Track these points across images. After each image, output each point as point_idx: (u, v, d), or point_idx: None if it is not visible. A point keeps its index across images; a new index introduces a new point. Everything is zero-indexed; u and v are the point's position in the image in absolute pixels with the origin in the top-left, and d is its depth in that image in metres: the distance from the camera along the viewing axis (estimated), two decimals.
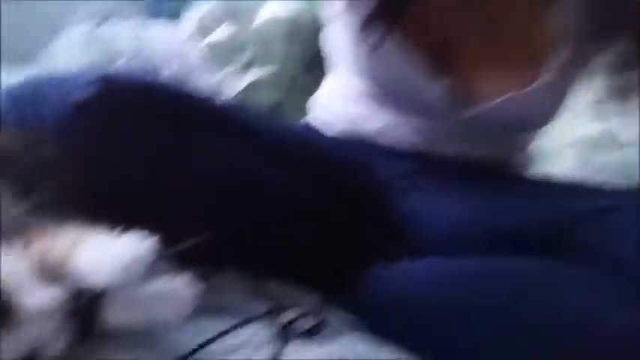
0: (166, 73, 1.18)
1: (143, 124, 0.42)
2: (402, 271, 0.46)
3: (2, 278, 0.26)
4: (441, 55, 0.52)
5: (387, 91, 0.56)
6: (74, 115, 0.39)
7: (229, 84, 1.18)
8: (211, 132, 0.48)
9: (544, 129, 0.60)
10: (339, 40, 0.59)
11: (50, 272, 0.29)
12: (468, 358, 0.38)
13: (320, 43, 1.22)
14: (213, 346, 0.36)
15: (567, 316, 0.34)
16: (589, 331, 0.33)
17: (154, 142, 0.42)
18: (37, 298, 0.27)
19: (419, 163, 0.58)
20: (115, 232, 0.31)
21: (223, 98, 0.73)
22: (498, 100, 0.51)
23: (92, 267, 0.29)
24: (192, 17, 1.31)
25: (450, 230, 0.51)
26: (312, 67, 1.21)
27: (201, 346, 0.35)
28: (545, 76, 0.50)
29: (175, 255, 0.33)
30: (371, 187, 0.57)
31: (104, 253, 0.29)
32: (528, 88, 0.50)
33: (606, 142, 0.85)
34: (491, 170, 0.58)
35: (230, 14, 1.24)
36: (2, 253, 0.28)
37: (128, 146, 0.38)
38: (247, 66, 1.19)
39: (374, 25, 0.49)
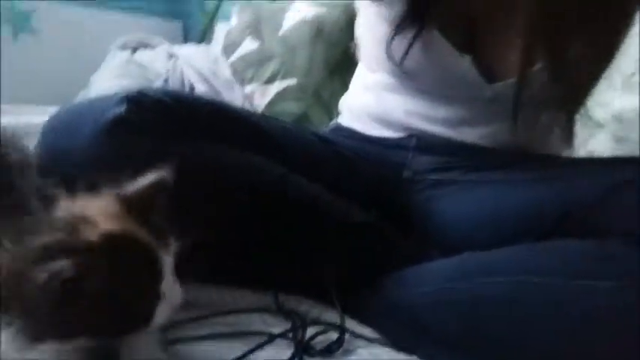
0: (199, 90, 1.23)
1: (170, 137, 0.45)
2: (423, 271, 0.46)
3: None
4: (467, 33, 0.54)
5: (418, 72, 0.57)
6: (106, 132, 0.42)
7: (257, 97, 1.22)
8: (243, 144, 0.50)
9: (578, 107, 0.58)
10: (373, 31, 0.60)
11: None
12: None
13: (345, 45, 1.24)
14: None
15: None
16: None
17: (182, 153, 0.44)
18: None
19: (445, 155, 0.58)
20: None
21: (252, 111, 0.75)
22: (518, 76, 0.51)
23: None
24: (219, 35, 1.37)
25: (474, 223, 0.51)
26: (337, 71, 1.22)
27: None
28: (569, 52, 0.50)
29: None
30: (385, 188, 0.58)
31: None
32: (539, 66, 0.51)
33: None
34: (515, 155, 0.57)
35: (254, 27, 1.28)
36: None
37: (158, 159, 0.41)
38: (273, 78, 1.22)
39: (413, 16, 0.52)
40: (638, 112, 0.83)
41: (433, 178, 0.59)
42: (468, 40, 0.54)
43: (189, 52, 1.37)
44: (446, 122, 0.58)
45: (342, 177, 0.58)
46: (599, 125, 0.91)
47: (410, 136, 0.61)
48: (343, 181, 0.57)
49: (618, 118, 0.89)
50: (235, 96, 1.22)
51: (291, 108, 1.19)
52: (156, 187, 0.33)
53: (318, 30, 1.21)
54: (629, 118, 0.85)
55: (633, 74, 0.86)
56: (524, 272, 0.39)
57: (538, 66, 0.51)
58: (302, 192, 0.51)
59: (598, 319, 0.35)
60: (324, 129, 0.76)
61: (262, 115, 0.65)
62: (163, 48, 1.39)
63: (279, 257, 0.48)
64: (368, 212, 0.55)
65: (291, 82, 1.20)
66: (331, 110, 1.18)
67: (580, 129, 0.92)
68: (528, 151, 0.59)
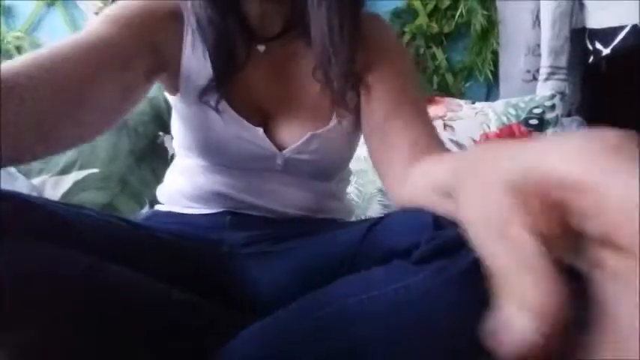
0: None
1: None
2: (238, 341, 0.48)
3: None
4: (258, 110, 0.65)
5: (221, 150, 0.65)
6: None
7: (49, 188, 1.09)
8: (40, 236, 0.45)
9: (346, 172, 0.77)
10: (183, 120, 0.67)
11: None
12: None
13: (152, 135, 1.25)
14: None
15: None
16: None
17: None
18: None
19: (256, 229, 0.66)
20: None
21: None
22: (304, 139, 0.64)
23: None
24: None
25: (274, 289, 0.59)
26: (145, 160, 1.21)
27: None
28: (333, 121, 0.65)
29: None
30: (203, 264, 0.62)
31: None
32: (323, 129, 0.65)
33: None
34: (308, 220, 0.70)
35: None
36: None
37: None
38: (68, 169, 1.13)
39: (209, 95, 0.61)
40: None
41: (247, 251, 0.64)
42: (258, 115, 0.65)
43: None
44: (252, 193, 0.67)
45: (162, 260, 0.58)
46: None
47: (224, 212, 0.67)
48: (163, 264, 0.57)
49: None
50: (19, 188, 1.06)
51: (93, 198, 1.11)
52: None
53: (121, 122, 1.20)
54: None
55: None
56: (344, 296, 0.43)
57: (310, 134, 0.65)
58: (114, 281, 0.49)
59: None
60: (136, 216, 0.75)
61: (61, 202, 0.59)
62: None
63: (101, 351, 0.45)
64: (189, 291, 0.56)
65: (93, 170, 1.13)
66: (141, 198, 1.15)
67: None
68: (322, 215, 0.71)
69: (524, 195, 0.20)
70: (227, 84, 0.61)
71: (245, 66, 0.62)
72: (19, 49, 1.54)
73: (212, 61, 0.60)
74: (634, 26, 1.13)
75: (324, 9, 0.58)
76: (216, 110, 0.61)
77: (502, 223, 0.20)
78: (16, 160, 0.48)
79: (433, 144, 0.58)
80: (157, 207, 0.74)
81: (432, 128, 0.61)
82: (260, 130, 0.64)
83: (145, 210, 1.14)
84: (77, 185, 1.11)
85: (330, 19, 0.58)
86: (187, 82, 0.63)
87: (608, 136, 0.19)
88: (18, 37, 1.57)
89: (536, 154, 0.20)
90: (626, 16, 1.14)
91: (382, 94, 0.62)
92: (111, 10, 0.58)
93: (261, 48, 0.64)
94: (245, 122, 0.63)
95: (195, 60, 0.62)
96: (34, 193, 1.07)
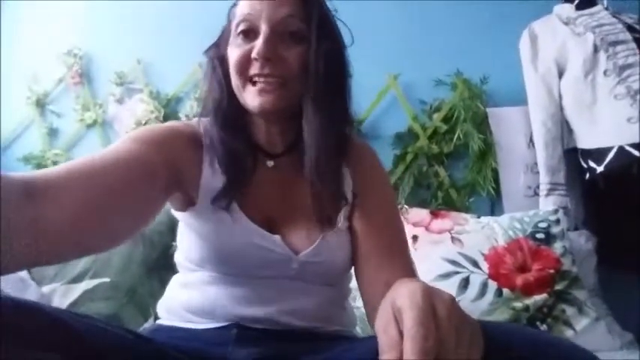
0: None
1: None
2: None
3: None
4: (269, 219, 0.68)
5: (236, 258, 0.66)
6: None
7: (57, 297, 1.09)
8: (44, 346, 0.45)
9: (348, 279, 0.78)
10: (192, 230, 0.70)
11: None
12: None
13: (165, 246, 1.27)
14: None
15: None
16: None
17: None
18: None
19: (262, 346, 0.63)
20: None
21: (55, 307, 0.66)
22: (317, 241, 0.67)
23: None
24: None
25: None
26: (155, 270, 1.22)
27: None
28: (338, 224, 0.69)
29: None
30: None
31: None
32: (331, 231, 0.68)
33: None
34: (315, 336, 0.68)
35: None
36: None
37: None
38: (81, 277, 1.14)
39: (222, 200, 0.65)
40: None
41: None
42: (270, 223, 0.68)
43: None
44: (262, 302, 0.66)
45: None
46: None
47: (230, 326, 0.65)
48: None
49: None
50: (29, 296, 1.06)
51: (99, 308, 1.09)
52: None
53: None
54: None
55: None
56: None
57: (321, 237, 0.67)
58: None
59: None
60: (142, 329, 0.73)
61: (67, 311, 0.59)
62: None
63: None
64: None
65: (104, 280, 1.14)
66: (147, 310, 1.13)
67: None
68: (331, 326, 0.70)
69: (394, 311, 0.41)
70: (238, 190, 0.66)
71: (254, 179, 0.67)
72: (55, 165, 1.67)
73: (224, 173, 0.66)
74: (620, 147, 1.22)
75: (314, 138, 0.65)
76: (227, 211, 0.65)
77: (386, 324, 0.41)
78: (45, 261, 0.49)
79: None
80: (159, 321, 0.72)
81: (405, 264, 0.67)
82: (277, 237, 0.66)
83: (150, 322, 1.11)
84: (86, 295, 1.11)
85: (319, 151, 0.65)
86: (205, 197, 0.66)
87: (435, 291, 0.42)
88: (57, 154, 1.72)
89: (397, 294, 0.43)
90: (609, 138, 1.24)
91: (365, 228, 0.69)
92: (139, 130, 0.65)
93: (270, 163, 0.71)
94: (261, 230, 0.66)
95: (213, 176, 0.67)
96: (43, 302, 1.07)
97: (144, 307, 1.14)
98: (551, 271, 1.15)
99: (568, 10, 1.38)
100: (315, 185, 0.66)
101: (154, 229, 1.28)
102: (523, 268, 1.16)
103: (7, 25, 1.88)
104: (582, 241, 1.30)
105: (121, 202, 0.54)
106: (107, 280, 1.16)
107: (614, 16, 1.33)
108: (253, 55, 0.62)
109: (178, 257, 0.74)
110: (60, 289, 1.13)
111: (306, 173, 0.66)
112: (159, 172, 0.60)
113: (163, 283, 1.20)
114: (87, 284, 1.14)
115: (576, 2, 1.38)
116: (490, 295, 1.13)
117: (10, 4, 1.88)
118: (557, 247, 1.19)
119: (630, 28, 1.29)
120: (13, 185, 0.44)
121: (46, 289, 1.13)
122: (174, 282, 0.75)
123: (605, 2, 1.37)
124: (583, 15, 1.35)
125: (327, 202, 0.67)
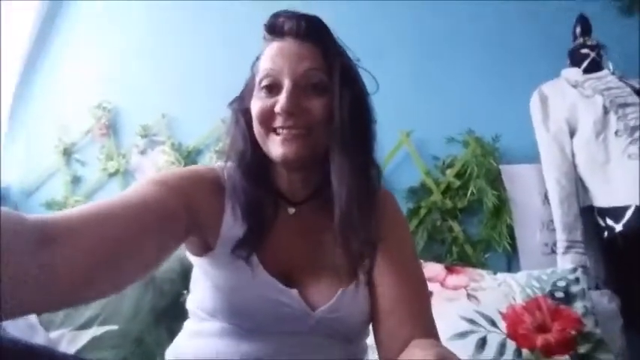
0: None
1: None
2: None
3: None
4: (288, 272, 0.66)
5: (252, 311, 0.64)
6: None
7: (64, 344, 1.08)
8: None
9: (364, 338, 0.74)
10: (207, 278, 0.68)
11: None
12: None
13: (176, 293, 1.24)
14: None
15: None
16: None
17: None
18: None
19: None
20: None
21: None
22: (336, 297, 0.65)
23: None
24: None
25: None
26: (163, 318, 1.20)
27: None
28: (354, 282, 0.67)
29: None
30: None
31: None
32: (349, 286, 0.66)
33: None
34: None
35: None
36: None
37: None
38: (89, 323, 1.13)
39: (242, 248, 0.63)
40: None
41: None
42: (288, 276, 0.66)
43: None
44: (275, 358, 0.63)
45: None
46: None
47: None
48: None
49: None
50: (36, 341, 1.05)
51: (106, 357, 1.07)
52: None
53: (149, 278, 1.24)
54: None
55: None
56: None
57: (341, 290, 0.65)
58: None
59: None
60: None
61: (78, 357, 0.58)
62: None
63: None
64: None
65: (112, 327, 1.13)
66: (154, 359, 1.10)
67: None
68: None
69: None
70: (258, 240, 0.65)
71: (275, 226, 0.67)
72: None
73: (245, 222, 0.65)
74: (637, 207, 1.21)
75: (344, 185, 0.64)
76: (247, 262, 0.63)
77: None
78: (53, 307, 0.48)
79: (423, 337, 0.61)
80: None
81: (427, 321, 0.65)
82: (295, 291, 0.65)
83: None
84: (94, 342, 1.09)
85: (350, 197, 0.64)
86: (224, 244, 0.65)
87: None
88: (77, 201, 1.77)
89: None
90: (626, 197, 1.24)
91: (388, 280, 0.67)
92: (162, 173, 0.66)
93: (291, 210, 0.71)
94: (279, 284, 0.64)
95: (234, 224, 0.66)
96: None
97: (150, 356, 1.11)
98: (573, 332, 1.10)
99: (575, 73, 1.43)
100: (344, 232, 0.65)
101: (164, 277, 1.28)
102: (542, 328, 1.11)
103: (43, 78, 2.02)
104: (605, 301, 1.25)
105: (134, 248, 0.53)
106: (115, 327, 1.14)
107: (620, 80, 1.37)
108: (277, 109, 0.64)
109: (190, 305, 0.72)
110: (68, 335, 1.11)
111: (335, 221, 0.65)
112: (178, 215, 0.60)
113: (171, 333, 1.19)
114: (95, 331, 1.12)
115: (584, 66, 1.43)
116: (509, 356, 1.07)
117: (50, 59, 2.03)
118: (578, 306, 1.14)
119: (638, 92, 1.33)
120: (26, 229, 0.43)
121: (53, 334, 1.11)
122: (185, 329, 0.73)
123: (611, 67, 1.42)
124: (591, 79, 1.39)
125: (354, 251, 0.65)
